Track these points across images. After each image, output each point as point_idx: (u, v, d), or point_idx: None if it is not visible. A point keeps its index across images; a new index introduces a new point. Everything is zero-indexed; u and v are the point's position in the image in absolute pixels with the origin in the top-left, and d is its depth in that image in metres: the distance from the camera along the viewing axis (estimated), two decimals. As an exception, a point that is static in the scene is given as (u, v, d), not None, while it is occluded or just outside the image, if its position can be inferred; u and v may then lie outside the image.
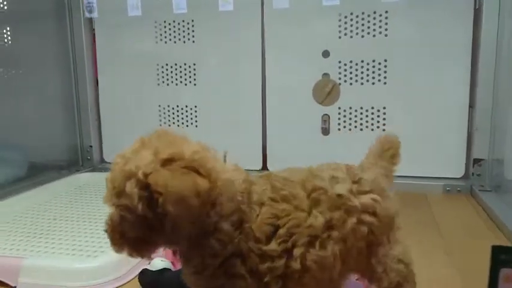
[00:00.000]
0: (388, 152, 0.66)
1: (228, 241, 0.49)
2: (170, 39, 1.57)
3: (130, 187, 0.46)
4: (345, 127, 1.46)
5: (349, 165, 0.60)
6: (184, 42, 1.56)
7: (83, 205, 1.25)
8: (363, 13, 1.39)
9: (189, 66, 1.57)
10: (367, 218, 0.55)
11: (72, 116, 1.69)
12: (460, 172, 1.39)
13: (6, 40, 1.59)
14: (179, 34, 1.56)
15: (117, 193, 0.47)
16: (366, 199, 0.55)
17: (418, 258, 0.85)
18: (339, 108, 1.46)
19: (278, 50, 1.48)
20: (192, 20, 1.54)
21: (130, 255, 0.52)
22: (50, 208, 1.22)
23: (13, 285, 0.81)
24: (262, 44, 1.49)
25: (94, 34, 1.65)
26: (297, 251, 0.51)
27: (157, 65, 1.60)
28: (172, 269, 0.80)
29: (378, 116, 1.43)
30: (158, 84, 1.61)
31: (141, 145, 0.49)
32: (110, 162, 1.71)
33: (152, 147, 0.48)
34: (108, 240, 0.52)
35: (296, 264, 0.51)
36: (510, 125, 1.25)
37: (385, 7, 1.37)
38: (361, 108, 1.45)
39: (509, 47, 1.25)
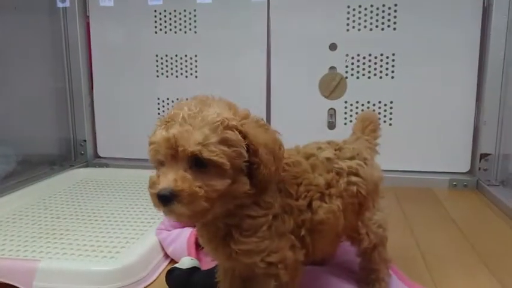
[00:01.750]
0: (369, 127, 0.76)
1: (276, 197, 0.56)
2: (171, 29, 1.51)
3: (236, 136, 0.50)
4: (351, 121, 1.44)
5: (331, 140, 0.70)
6: (185, 32, 1.50)
7: (85, 202, 1.18)
8: (371, 5, 1.37)
9: (191, 58, 1.52)
10: (353, 178, 0.64)
11: (64, 110, 1.60)
12: (465, 167, 1.40)
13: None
14: (180, 24, 1.50)
15: (222, 140, 0.49)
16: (350, 163, 0.64)
17: (446, 252, 0.87)
18: (346, 102, 1.44)
19: (284, 42, 1.44)
20: (195, 10, 1.48)
21: (195, 219, 0.53)
22: (50, 206, 1.15)
23: (27, 290, 0.75)
24: (268, 36, 1.45)
25: (89, 24, 1.57)
26: (315, 204, 0.59)
27: (157, 56, 1.54)
28: (201, 268, 0.76)
29: (385, 111, 1.42)
30: (157, 76, 1.55)
31: (201, 103, 0.52)
32: (104, 157, 1.64)
33: (219, 105, 0.53)
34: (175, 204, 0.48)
35: (317, 216, 0.59)
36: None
37: (394, 0, 1.36)
38: (368, 102, 1.43)
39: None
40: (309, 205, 0.59)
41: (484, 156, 1.35)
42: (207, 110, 0.51)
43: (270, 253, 0.55)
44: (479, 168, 1.36)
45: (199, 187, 0.48)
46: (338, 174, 0.63)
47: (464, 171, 1.40)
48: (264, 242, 0.55)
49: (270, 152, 0.52)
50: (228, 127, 0.50)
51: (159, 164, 0.51)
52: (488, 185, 1.30)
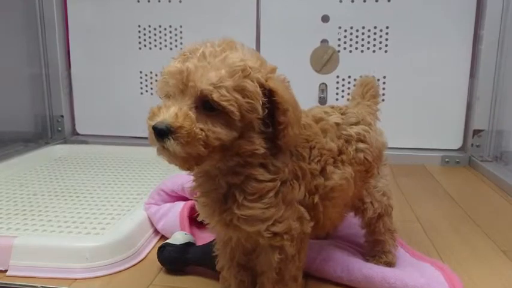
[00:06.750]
0: (369, 92, 0.73)
1: (287, 162, 0.51)
2: (154, -2, 1.43)
3: (255, 88, 0.45)
4: (343, 97, 1.40)
5: (332, 104, 0.66)
6: (169, 1, 1.42)
7: (64, 179, 1.10)
8: (365, -24, 1.32)
9: (175, 29, 1.44)
10: (361, 145, 0.61)
11: (39, 85, 1.50)
12: (457, 143, 1.38)
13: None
14: (164, -8, 1.42)
15: (238, 87, 0.44)
16: (357, 129, 0.61)
17: (444, 223, 0.88)
18: (337, 77, 1.40)
19: (274, 13, 1.38)
20: (179, -23, 1.40)
21: (188, 165, 0.46)
22: (26, 183, 1.07)
23: (3, 268, 0.68)
24: (257, 6, 1.38)
25: (65, -9, 1.47)
26: (329, 169, 0.55)
27: (139, 26, 1.45)
28: (196, 243, 0.71)
29: (378, 86, 1.37)
30: (140, 49, 1.46)
31: (227, 45, 0.48)
32: (83, 134, 1.55)
33: (246, 52, 0.48)
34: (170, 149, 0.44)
35: (331, 182, 0.55)
36: (511, 96, 1.25)
37: (389, -30, 1.31)
38: (361, 77, 1.38)
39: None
40: (322, 170, 0.55)
41: (477, 132, 1.33)
42: (231, 52, 0.46)
43: (276, 222, 0.50)
44: (472, 145, 1.34)
45: (201, 129, 0.44)
46: (347, 141, 0.59)
47: (456, 147, 1.38)
48: (269, 210, 0.50)
49: (294, 110, 0.48)
50: (249, 77, 0.45)
51: (167, 98, 0.47)
52: (481, 160, 1.28)
